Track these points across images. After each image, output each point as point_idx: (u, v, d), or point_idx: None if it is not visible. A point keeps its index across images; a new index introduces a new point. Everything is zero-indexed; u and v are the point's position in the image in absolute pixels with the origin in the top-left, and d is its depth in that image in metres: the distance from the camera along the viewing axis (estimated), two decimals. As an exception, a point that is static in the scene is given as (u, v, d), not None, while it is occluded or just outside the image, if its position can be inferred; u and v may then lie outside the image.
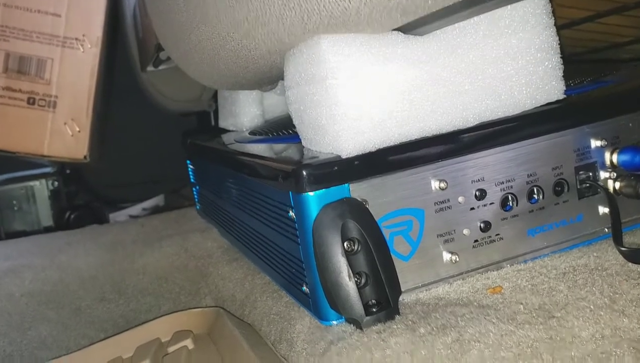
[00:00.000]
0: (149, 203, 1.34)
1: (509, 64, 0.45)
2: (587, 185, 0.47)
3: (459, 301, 0.41)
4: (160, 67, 0.98)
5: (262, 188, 0.49)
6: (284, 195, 0.43)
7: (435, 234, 0.44)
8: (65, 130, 1.01)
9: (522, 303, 0.39)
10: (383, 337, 0.38)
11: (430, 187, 0.43)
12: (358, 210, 0.41)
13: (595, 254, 0.45)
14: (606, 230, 0.48)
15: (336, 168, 0.41)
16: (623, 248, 0.43)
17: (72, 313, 0.70)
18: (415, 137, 0.43)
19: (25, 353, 0.66)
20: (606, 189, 0.47)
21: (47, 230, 1.17)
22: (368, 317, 0.40)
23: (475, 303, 0.41)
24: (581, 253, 0.46)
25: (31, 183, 1.19)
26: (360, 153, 0.42)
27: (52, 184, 1.20)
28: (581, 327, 0.35)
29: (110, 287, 0.74)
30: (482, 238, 0.45)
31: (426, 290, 0.44)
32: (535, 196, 0.46)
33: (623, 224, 0.46)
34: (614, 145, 0.47)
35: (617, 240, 0.44)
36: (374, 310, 0.40)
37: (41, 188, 1.19)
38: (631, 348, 0.33)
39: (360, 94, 0.41)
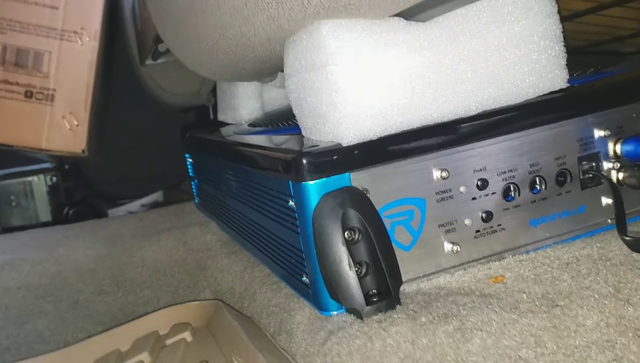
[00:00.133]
0: (147, 199, 1.33)
1: (512, 51, 0.44)
2: (590, 175, 0.47)
3: (461, 290, 0.41)
4: (159, 60, 0.97)
5: (262, 179, 0.49)
6: (283, 185, 0.43)
7: (437, 224, 0.43)
8: (64, 124, 1.00)
9: (525, 292, 0.39)
10: (384, 326, 0.37)
11: (432, 177, 0.42)
12: (359, 199, 0.40)
13: (598, 245, 0.45)
14: (609, 221, 0.47)
15: (336, 156, 0.40)
16: (627, 238, 0.43)
17: (70, 307, 0.69)
18: (417, 126, 0.43)
19: (22, 346, 0.65)
20: (609, 179, 0.46)
21: (45, 225, 1.15)
22: (369, 307, 0.39)
23: (477, 293, 0.40)
24: (584, 244, 0.46)
25: (29, 178, 1.18)
26: (361, 141, 0.41)
27: (51, 180, 1.19)
28: (585, 316, 0.35)
29: (108, 280, 0.73)
30: (484, 229, 0.44)
31: (427, 280, 0.43)
32: (538, 186, 0.45)
33: (626, 215, 0.46)
34: (617, 135, 0.47)
35: (621, 230, 0.44)
36: (375, 299, 0.40)
37: (39, 183, 1.18)
38: (636, 336, 0.32)
39: (361, 80, 0.41)
